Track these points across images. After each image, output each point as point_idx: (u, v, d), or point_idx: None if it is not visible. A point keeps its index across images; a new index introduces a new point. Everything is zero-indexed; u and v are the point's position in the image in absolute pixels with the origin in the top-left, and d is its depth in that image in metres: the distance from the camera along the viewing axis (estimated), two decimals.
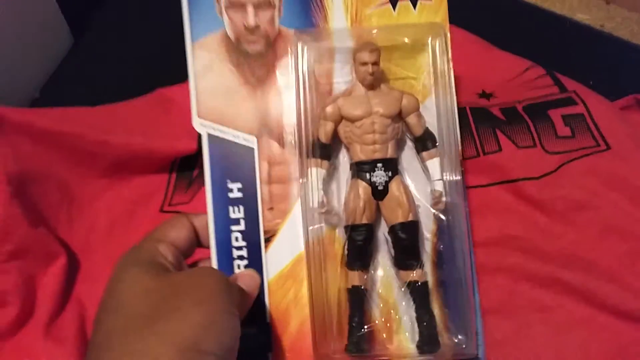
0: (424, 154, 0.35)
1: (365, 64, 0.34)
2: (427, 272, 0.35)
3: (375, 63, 0.34)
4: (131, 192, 0.46)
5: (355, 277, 0.34)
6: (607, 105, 0.45)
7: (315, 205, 0.34)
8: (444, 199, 0.35)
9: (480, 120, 0.44)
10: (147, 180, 0.47)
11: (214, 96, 0.36)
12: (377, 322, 0.35)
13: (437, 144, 0.35)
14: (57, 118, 0.43)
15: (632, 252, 0.38)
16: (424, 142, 0.35)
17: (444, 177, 0.35)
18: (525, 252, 0.39)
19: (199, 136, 0.46)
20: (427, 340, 0.34)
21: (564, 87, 0.46)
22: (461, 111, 0.44)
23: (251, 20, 0.35)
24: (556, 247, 0.39)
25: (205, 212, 0.35)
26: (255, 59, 0.36)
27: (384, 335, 0.35)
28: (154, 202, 0.46)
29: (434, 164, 0.35)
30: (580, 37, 0.59)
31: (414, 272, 0.34)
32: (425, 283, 0.35)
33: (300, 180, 0.35)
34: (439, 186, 0.35)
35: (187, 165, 0.47)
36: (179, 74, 0.55)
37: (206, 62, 0.36)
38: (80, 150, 0.44)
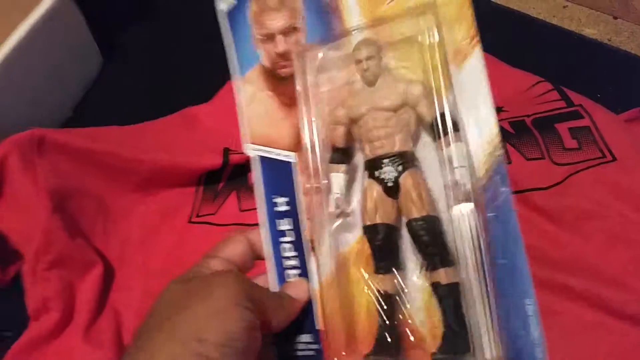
0: (438, 142, 0.31)
1: (359, 61, 0.33)
2: (456, 273, 0.31)
3: (370, 58, 0.32)
4: (161, 205, 0.49)
5: (383, 281, 0.32)
6: (613, 118, 0.47)
7: (332, 209, 0.33)
8: (464, 187, 0.31)
9: None
10: (176, 193, 0.49)
11: (259, 122, 0.37)
12: (406, 328, 0.32)
13: (457, 129, 0.31)
14: (92, 137, 0.46)
15: (637, 259, 0.40)
16: (437, 128, 0.31)
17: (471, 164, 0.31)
18: (534, 260, 0.41)
19: (224, 152, 0.49)
20: (446, 349, 0.30)
21: (570, 102, 0.48)
22: None
23: (281, 47, 0.37)
24: (564, 255, 0.41)
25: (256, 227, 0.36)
26: (287, 81, 0.37)
27: (412, 342, 0.32)
28: (182, 214, 0.49)
29: (457, 151, 0.31)
30: (587, 52, 0.61)
31: (439, 272, 0.31)
32: (454, 285, 0.31)
33: (308, 185, 0.34)
34: (458, 174, 0.30)
35: (212, 179, 0.50)
36: (202, 93, 0.59)
37: (250, 94, 0.38)
38: (114, 167, 0.47)
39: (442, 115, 0.32)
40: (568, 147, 0.45)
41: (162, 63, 0.65)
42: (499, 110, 0.49)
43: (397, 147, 0.32)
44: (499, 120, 0.46)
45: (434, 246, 0.32)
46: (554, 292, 0.40)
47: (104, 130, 0.49)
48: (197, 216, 0.48)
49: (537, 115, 0.47)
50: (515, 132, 0.46)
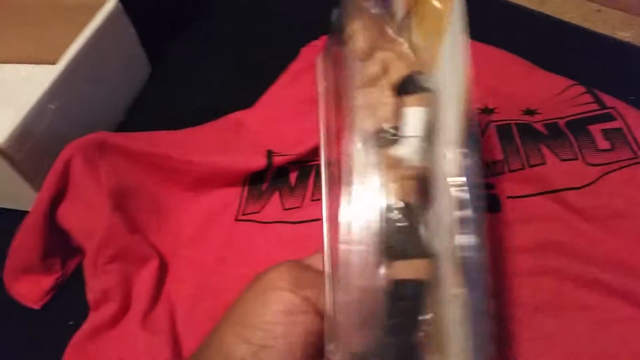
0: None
1: None
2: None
3: None
4: (210, 204, 0.52)
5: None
6: None
7: None
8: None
9: (525, 136, 0.48)
10: (224, 193, 0.52)
11: None
12: None
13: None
14: (147, 140, 0.50)
15: None
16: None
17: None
18: (568, 256, 0.43)
19: (268, 154, 0.52)
20: None
21: (603, 104, 0.49)
22: (507, 127, 0.49)
23: None
24: (598, 252, 0.42)
25: None
26: None
27: None
28: (229, 213, 0.52)
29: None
30: (621, 55, 0.62)
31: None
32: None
33: None
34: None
35: (257, 180, 0.53)
36: (245, 99, 0.62)
37: None
38: (167, 168, 0.50)
39: None
40: (601, 149, 0.46)
41: (206, 71, 0.69)
42: (533, 112, 0.51)
43: None
44: (534, 123, 0.49)
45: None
46: (586, 287, 0.41)
47: (158, 134, 0.52)
48: (243, 214, 0.51)
49: (571, 118, 0.49)
50: (548, 134, 0.48)
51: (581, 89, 0.52)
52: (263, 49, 0.69)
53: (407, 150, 0.26)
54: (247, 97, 0.62)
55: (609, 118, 0.48)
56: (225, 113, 0.59)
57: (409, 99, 0.27)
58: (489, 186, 0.47)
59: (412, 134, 0.26)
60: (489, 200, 0.46)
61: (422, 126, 0.26)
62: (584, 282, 0.42)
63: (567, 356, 0.39)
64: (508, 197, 0.46)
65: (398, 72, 0.28)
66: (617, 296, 0.40)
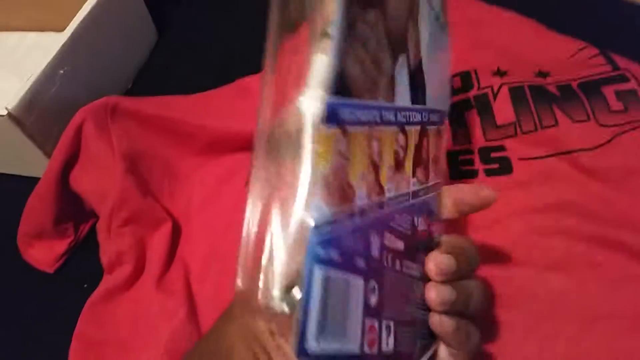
0: None
1: None
2: None
3: None
4: (221, 168, 0.52)
5: None
6: None
7: None
8: None
9: (537, 98, 0.47)
10: (235, 158, 0.52)
11: None
12: None
13: None
14: (159, 105, 0.50)
15: None
16: None
17: None
18: (580, 216, 0.43)
19: None
20: None
21: (616, 65, 0.49)
22: (519, 89, 0.48)
23: None
24: (610, 211, 0.42)
25: None
26: None
27: None
28: (239, 178, 0.52)
29: None
30: (634, 16, 0.61)
31: None
32: None
33: None
34: None
35: None
36: (253, 64, 0.62)
37: None
38: (179, 132, 0.50)
39: None
40: (614, 110, 0.46)
41: (212, 36, 0.68)
42: (545, 74, 0.51)
43: None
44: (546, 85, 0.49)
45: None
46: (597, 246, 0.41)
47: (169, 99, 0.52)
48: None
49: (583, 79, 0.48)
50: (561, 95, 0.47)
51: (594, 50, 0.52)
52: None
53: None
54: (254, 61, 0.61)
55: (622, 79, 0.47)
56: (233, 79, 0.59)
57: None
58: (500, 148, 0.46)
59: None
60: (500, 162, 0.46)
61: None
62: (595, 242, 0.42)
63: (578, 314, 0.40)
64: (520, 159, 0.46)
65: None
66: (630, 254, 0.40)
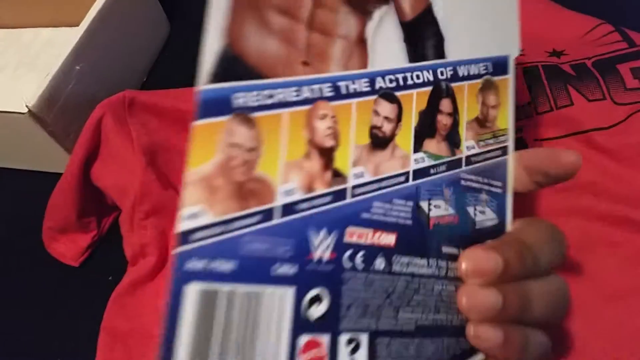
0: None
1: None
2: None
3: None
4: None
5: None
6: None
7: None
8: None
9: (552, 77, 0.47)
10: None
11: None
12: None
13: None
14: (176, 97, 0.50)
15: None
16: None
17: None
18: (596, 195, 0.43)
19: None
20: None
21: (632, 42, 0.48)
22: (533, 69, 0.48)
23: None
24: (626, 190, 0.42)
25: None
26: None
27: None
28: None
29: None
30: None
31: None
32: None
33: None
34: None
35: None
36: None
37: None
38: None
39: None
40: (630, 87, 0.46)
41: None
42: (559, 54, 0.50)
43: None
44: (560, 64, 0.48)
45: None
46: (613, 225, 0.41)
47: (185, 91, 0.52)
48: None
49: (598, 57, 0.48)
50: (576, 74, 0.47)
51: (609, 27, 0.51)
52: None
53: None
54: None
55: (639, 56, 0.47)
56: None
57: None
58: (516, 130, 0.46)
59: None
60: (516, 144, 0.46)
61: None
62: (612, 220, 0.42)
63: (595, 291, 0.40)
64: (535, 140, 0.46)
65: None
66: None
